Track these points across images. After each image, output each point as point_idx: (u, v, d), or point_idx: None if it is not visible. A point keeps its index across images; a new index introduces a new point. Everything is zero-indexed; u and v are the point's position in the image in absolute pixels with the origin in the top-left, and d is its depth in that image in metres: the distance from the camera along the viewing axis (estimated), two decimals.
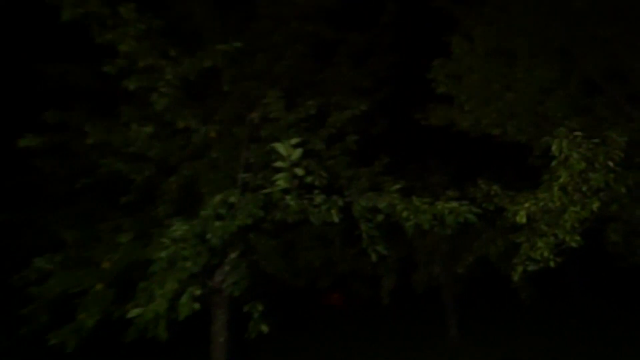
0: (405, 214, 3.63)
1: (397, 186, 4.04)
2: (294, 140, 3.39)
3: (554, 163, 3.12)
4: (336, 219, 4.06)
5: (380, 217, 4.10)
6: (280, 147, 3.39)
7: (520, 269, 3.56)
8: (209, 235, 3.69)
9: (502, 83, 4.37)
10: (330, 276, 7.39)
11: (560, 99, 4.32)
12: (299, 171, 3.46)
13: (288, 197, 3.72)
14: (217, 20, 5.73)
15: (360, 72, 6.84)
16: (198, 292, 3.41)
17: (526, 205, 3.24)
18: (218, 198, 3.79)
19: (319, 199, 3.84)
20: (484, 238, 5.68)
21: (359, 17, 6.97)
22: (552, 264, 3.37)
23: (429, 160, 9.40)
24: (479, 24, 4.88)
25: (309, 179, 3.96)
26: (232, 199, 3.90)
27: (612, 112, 4.32)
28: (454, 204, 3.43)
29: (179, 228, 3.42)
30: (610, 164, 2.97)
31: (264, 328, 4.00)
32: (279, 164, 3.44)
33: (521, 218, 3.26)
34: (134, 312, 3.09)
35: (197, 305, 3.34)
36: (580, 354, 7.75)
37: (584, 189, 3.02)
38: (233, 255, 5.05)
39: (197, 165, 4.93)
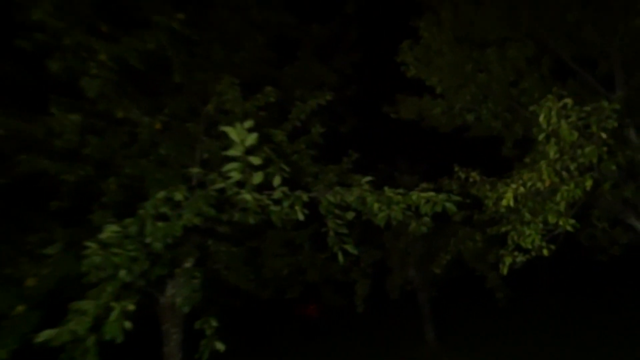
0: (376, 206, 3.21)
1: (368, 179, 3.63)
2: (247, 124, 2.90)
3: (541, 137, 2.81)
4: (301, 217, 3.59)
5: (350, 215, 3.67)
6: (232, 132, 2.90)
7: (509, 260, 3.22)
8: (148, 239, 3.12)
9: (474, 65, 4.11)
10: (299, 285, 6.86)
11: (534, 80, 4.11)
12: (255, 160, 2.98)
13: (244, 191, 3.22)
14: (166, 6, 5.21)
15: (325, 67, 6.49)
16: (131, 307, 2.82)
17: (513, 186, 2.90)
18: (161, 195, 3.23)
19: (279, 193, 3.35)
20: (461, 235, 5.38)
21: (322, 7, 6.64)
22: (545, 252, 3.05)
23: (399, 160, 9.15)
24: (447, 10, 4.63)
25: (270, 171, 3.51)
26: (178, 196, 3.36)
27: (588, 94, 4.16)
28: (431, 193, 3.06)
29: (108, 230, 2.83)
30: (603, 135, 2.69)
31: (220, 346, 3.45)
32: (231, 152, 2.94)
33: (508, 201, 2.91)
34: (44, 335, 2.47)
35: (128, 324, 2.75)
36: (558, 354, 7.59)
37: (572, 167, 2.72)
38: (187, 265, 4.45)
39: (142, 163, 4.34)
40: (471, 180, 3.78)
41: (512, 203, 2.90)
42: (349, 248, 3.31)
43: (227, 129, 2.89)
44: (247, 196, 3.26)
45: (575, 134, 2.62)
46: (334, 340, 12.16)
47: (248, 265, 6.07)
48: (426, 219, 4.02)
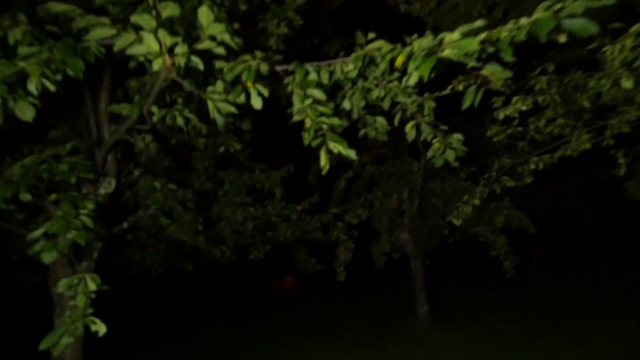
0: (401, 58, 1.69)
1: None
2: None
3: None
4: (257, 104, 2.06)
5: (340, 124, 2.14)
6: None
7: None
8: None
9: None
10: (266, 244, 5.37)
11: None
12: None
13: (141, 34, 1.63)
14: None
15: None
16: None
17: None
18: None
19: (208, 43, 1.77)
20: (496, 169, 3.83)
21: None
22: None
23: None
24: None
25: None
26: (16, 36, 1.76)
27: None
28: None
29: None
30: None
31: (99, 328, 1.92)
32: None
33: None
34: None
35: None
36: (565, 332, 6.48)
37: None
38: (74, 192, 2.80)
39: None
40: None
41: None
42: (341, 148, 1.78)
43: None
44: (148, 38, 1.67)
45: None
46: (312, 314, 10.85)
47: (197, 214, 4.53)
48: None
